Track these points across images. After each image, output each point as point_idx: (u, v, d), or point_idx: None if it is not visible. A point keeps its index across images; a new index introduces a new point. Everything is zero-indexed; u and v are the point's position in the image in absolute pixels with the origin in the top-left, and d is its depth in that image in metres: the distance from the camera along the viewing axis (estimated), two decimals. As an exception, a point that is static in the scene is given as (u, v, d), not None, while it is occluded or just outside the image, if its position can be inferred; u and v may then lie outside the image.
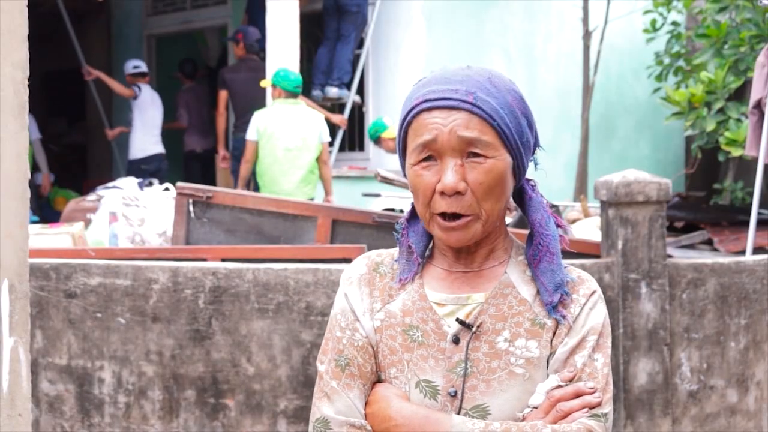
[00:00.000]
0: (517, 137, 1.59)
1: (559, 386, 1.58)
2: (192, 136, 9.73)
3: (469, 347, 1.60)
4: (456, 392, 1.59)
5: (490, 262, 1.66)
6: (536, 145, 1.68)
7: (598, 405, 1.57)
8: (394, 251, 1.73)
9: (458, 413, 1.58)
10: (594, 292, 1.64)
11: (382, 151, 8.58)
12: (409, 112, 1.60)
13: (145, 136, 9.01)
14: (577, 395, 1.57)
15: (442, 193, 1.56)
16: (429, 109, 1.57)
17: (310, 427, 1.64)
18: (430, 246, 1.70)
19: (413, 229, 1.69)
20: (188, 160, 9.76)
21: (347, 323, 1.66)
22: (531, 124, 1.64)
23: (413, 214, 1.70)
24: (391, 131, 8.08)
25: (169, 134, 9.59)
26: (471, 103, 1.56)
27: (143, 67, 9.18)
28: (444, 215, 1.58)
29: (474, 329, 1.60)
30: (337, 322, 1.67)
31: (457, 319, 1.61)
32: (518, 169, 1.63)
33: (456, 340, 1.61)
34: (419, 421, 1.57)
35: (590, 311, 1.62)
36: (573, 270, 1.67)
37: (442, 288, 1.65)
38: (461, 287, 1.65)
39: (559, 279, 1.61)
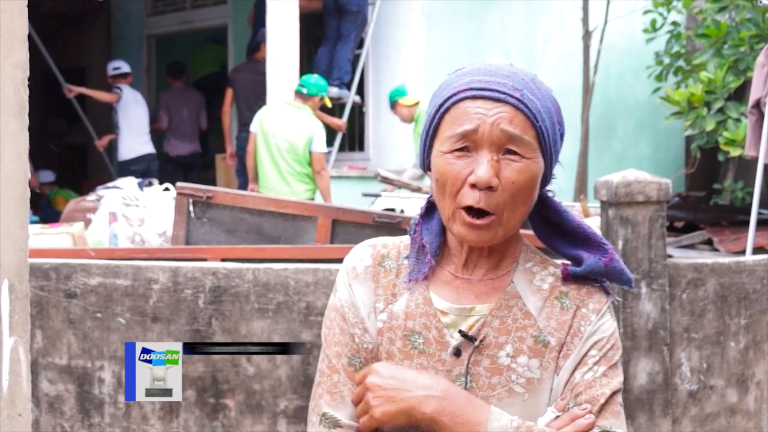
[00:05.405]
0: (552, 143, 1.55)
1: (557, 417, 1.54)
2: (168, 139, 9.63)
3: (471, 361, 1.55)
4: None
5: (498, 272, 1.60)
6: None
7: (591, 426, 1.51)
8: (401, 243, 1.65)
9: None
10: (604, 304, 1.60)
11: (393, 131, 8.45)
12: (449, 98, 1.51)
13: (132, 137, 8.97)
14: (573, 419, 1.52)
15: (473, 186, 1.48)
16: (473, 98, 1.49)
17: (315, 419, 1.59)
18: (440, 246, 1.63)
19: (427, 227, 1.62)
20: (163, 163, 9.67)
21: (356, 320, 1.60)
22: (563, 136, 1.61)
23: (428, 211, 1.63)
24: (408, 99, 7.83)
25: (155, 136, 9.56)
26: (518, 99, 1.50)
27: (124, 68, 9.13)
28: (470, 210, 1.50)
29: (477, 343, 1.55)
30: (344, 315, 1.60)
31: (460, 332, 1.55)
32: (545, 177, 1.59)
33: (457, 353, 1.56)
34: (463, 401, 1.50)
35: (599, 324, 1.58)
36: None
37: (446, 295, 1.59)
38: (466, 296, 1.59)
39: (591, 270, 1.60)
